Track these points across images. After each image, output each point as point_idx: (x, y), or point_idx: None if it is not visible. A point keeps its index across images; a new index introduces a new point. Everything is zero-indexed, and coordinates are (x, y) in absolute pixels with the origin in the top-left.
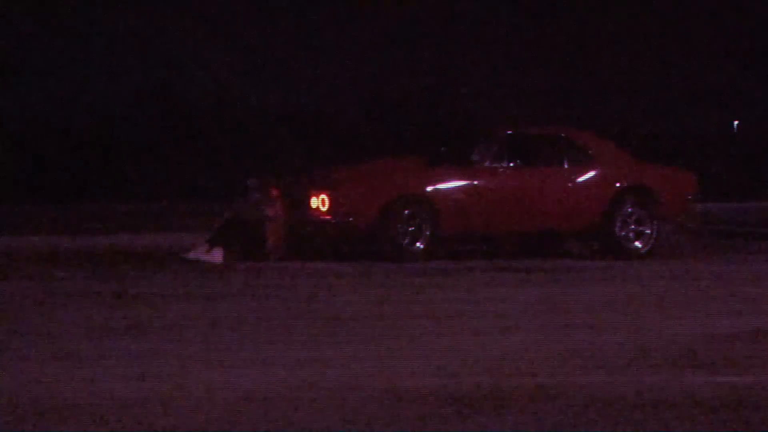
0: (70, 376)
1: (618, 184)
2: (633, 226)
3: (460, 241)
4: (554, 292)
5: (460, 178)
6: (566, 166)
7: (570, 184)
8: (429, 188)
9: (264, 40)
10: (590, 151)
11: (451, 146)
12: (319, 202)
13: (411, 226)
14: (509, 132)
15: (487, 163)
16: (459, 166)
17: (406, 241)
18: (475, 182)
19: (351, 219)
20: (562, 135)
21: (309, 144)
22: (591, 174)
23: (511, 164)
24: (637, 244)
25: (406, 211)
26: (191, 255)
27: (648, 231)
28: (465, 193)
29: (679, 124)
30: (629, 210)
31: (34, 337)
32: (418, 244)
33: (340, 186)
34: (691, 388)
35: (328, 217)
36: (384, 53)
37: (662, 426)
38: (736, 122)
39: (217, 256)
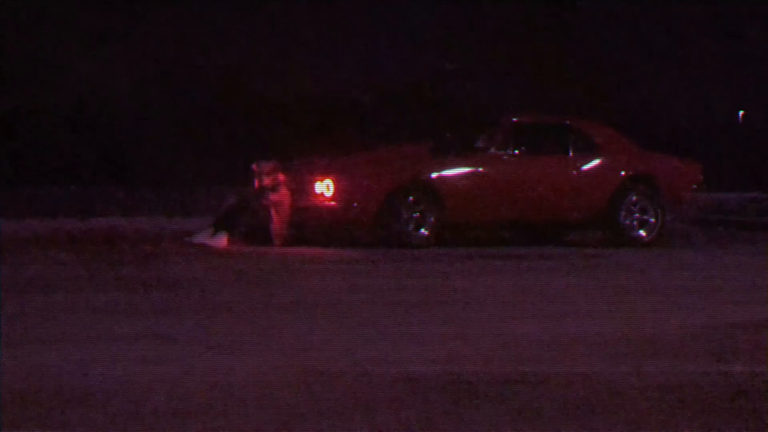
0: (73, 360)
1: (623, 173)
2: (637, 215)
3: (465, 228)
4: (556, 280)
5: (465, 166)
6: (571, 155)
7: (574, 173)
8: (433, 175)
9: (272, 25)
10: (595, 140)
11: (455, 134)
12: (324, 187)
13: (415, 213)
14: (514, 120)
15: (491, 151)
16: (464, 153)
17: (411, 227)
18: (480, 170)
19: (355, 205)
20: (567, 123)
21: (316, 130)
22: (596, 162)
23: (516, 152)
24: (641, 232)
25: (411, 198)
26: (196, 239)
27: (652, 220)
28: (469, 181)
29: (683, 114)
30: (633, 199)
31: (37, 321)
32: (422, 231)
33: (345, 172)
34: (694, 376)
35: (332, 203)
36: (390, 42)
37: (666, 414)
38: (741, 112)
39: (221, 240)
